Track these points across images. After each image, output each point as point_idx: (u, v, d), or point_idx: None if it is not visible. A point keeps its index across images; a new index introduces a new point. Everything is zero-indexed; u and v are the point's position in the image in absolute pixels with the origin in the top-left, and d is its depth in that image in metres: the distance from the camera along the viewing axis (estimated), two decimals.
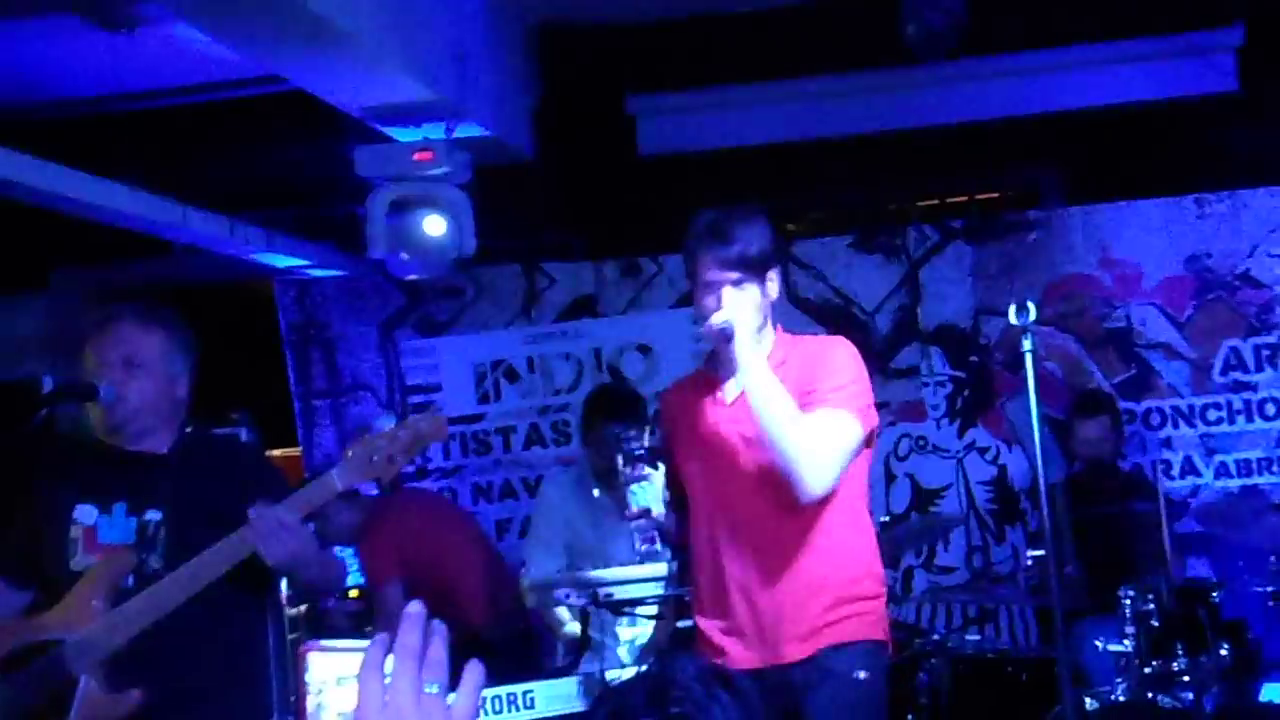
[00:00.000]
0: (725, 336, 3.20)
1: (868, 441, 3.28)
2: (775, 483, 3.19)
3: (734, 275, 3.22)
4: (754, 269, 3.24)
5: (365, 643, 1.40)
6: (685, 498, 3.41)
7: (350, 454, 3.01)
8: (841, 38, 6.62)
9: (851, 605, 3.27)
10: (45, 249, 6.48)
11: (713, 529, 3.34)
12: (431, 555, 5.05)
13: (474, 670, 1.33)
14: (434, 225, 5.61)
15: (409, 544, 5.02)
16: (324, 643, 3.19)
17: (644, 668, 1.45)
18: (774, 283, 3.31)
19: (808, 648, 3.24)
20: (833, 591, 3.25)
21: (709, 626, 3.37)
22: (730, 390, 3.34)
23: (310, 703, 3.14)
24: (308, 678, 3.14)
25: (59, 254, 6.64)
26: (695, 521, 3.39)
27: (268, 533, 2.95)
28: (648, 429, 4.84)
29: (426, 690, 1.31)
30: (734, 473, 3.27)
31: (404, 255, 5.62)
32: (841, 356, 3.30)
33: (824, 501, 3.21)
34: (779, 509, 3.22)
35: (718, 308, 3.22)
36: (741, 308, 3.20)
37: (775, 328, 3.39)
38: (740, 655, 3.28)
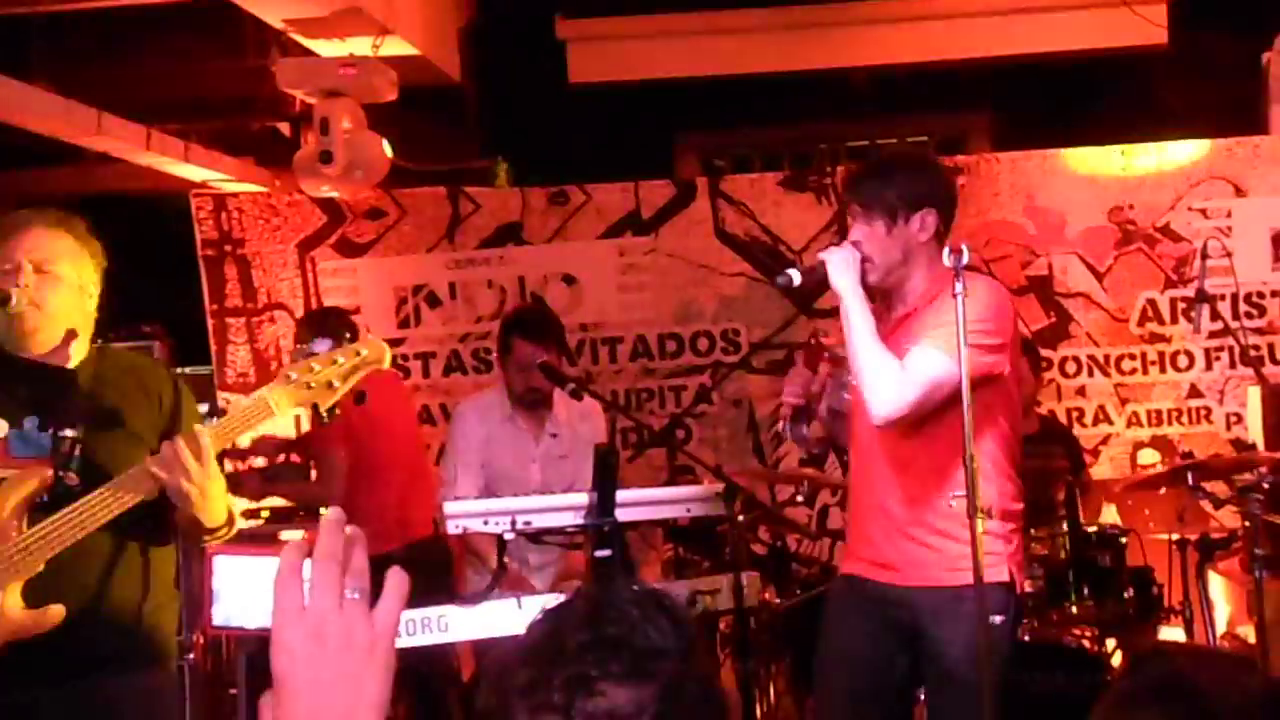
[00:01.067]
0: (820, 263, 3.34)
1: (975, 382, 3.17)
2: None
3: (858, 208, 3.38)
4: (883, 206, 3.33)
5: (277, 550, 1.33)
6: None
7: (287, 376, 2.90)
8: None
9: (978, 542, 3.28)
10: None
11: (859, 443, 3.52)
12: (377, 442, 4.94)
13: (397, 577, 1.28)
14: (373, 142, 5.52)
15: (359, 420, 4.70)
16: (233, 546, 3.05)
17: (576, 591, 1.41)
18: (920, 224, 3.34)
19: (932, 578, 3.33)
20: (955, 525, 3.25)
21: (850, 535, 3.63)
22: (886, 321, 3.41)
23: (218, 611, 3.03)
24: (215, 584, 3.03)
25: None
26: (850, 436, 3.59)
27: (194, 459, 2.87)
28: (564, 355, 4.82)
29: (348, 596, 1.26)
30: None
31: (358, 173, 5.51)
32: (971, 298, 3.21)
33: (943, 435, 3.25)
34: (901, 436, 3.34)
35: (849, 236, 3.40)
36: (851, 246, 3.34)
37: (933, 265, 3.35)
38: (866, 567, 3.46)
